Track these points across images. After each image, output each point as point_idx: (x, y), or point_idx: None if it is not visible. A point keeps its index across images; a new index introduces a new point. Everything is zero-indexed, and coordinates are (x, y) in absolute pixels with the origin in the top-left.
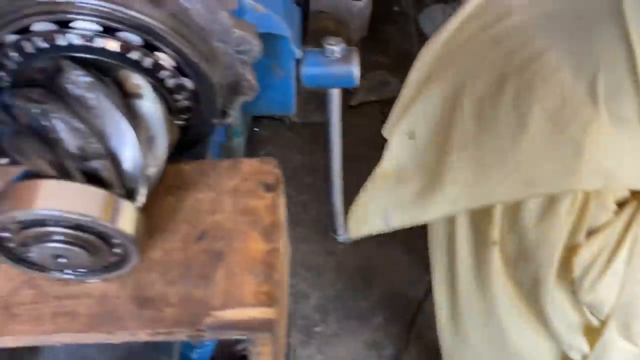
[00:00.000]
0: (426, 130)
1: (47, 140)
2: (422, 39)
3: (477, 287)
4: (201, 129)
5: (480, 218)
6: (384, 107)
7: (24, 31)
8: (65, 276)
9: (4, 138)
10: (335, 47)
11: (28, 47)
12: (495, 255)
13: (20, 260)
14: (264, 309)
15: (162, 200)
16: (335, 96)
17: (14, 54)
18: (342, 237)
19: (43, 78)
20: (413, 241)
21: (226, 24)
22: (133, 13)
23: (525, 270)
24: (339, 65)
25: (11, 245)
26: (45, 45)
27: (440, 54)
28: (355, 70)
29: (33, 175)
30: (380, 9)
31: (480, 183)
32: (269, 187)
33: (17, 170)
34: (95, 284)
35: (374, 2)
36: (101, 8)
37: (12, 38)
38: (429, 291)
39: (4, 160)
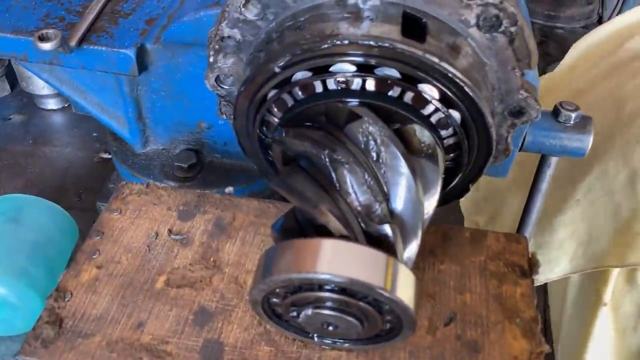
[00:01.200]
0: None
1: (326, 189)
2: None
3: (580, 349)
4: (453, 192)
5: (595, 275)
6: None
7: (320, 71)
8: (317, 340)
9: (274, 173)
10: (571, 113)
11: (318, 87)
12: (604, 317)
13: (275, 316)
14: None
15: None
16: (553, 164)
17: (298, 92)
18: None
19: (325, 121)
20: None
21: (515, 84)
22: (444, 64)
23: (638, 335)
24: (573, 133)
25: (275, 300)
26: (336, 87)
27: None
28: (590, 141)
29: (299, 224)
30: None
31: (592, 243)
32: (524, 272)
33: (242, 201)
34: (334, 352)
35: None
36: (409, 54)
37: (304, 75)
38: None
39: (230, 189)
